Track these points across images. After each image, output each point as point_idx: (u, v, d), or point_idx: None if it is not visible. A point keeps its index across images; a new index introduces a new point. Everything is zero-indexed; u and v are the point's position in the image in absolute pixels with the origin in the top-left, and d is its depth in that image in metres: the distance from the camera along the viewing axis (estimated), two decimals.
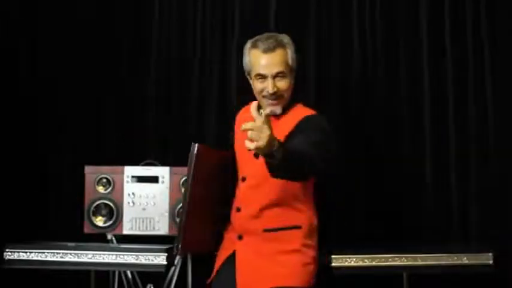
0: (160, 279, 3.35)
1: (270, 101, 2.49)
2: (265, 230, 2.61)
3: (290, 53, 2.51)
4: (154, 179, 3.35)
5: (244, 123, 2.12)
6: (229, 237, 2.75)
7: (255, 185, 2.60)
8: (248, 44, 2.55)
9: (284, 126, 2.54)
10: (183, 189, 3.29)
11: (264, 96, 2.49)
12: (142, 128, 3.78)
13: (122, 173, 3.35)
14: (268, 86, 2.45)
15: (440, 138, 3.65)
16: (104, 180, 3.35)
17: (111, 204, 3.33)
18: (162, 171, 3.36)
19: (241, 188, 2.67)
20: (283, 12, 3.74)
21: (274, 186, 2.50)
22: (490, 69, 3.64)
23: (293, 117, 2.57)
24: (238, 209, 2.68)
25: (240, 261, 2.61)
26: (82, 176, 3.34)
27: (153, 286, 3.35)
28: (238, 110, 2.92)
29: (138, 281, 3.44)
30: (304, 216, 2.65)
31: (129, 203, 3.34)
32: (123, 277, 3.41)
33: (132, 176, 3.35)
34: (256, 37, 2.54)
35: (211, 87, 3.77)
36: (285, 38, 2.52)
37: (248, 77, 2.58)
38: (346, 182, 3.59)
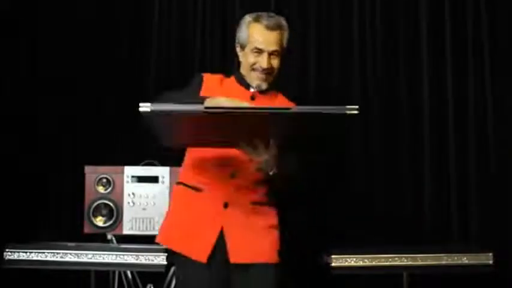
0: (160, 279, 3.35)
1: (260, 75, 2.53)
2: (253, 203, 2.56)
3: (286, 35, 2.58)
4: (154, 179, 3.35)
5: (215, 87, 2.43)
6: (209, 200, 2.55)
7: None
8: (249, 18, 2.58)
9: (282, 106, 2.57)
10: None
11: (253, 69, 2.54)
12: (142, 128, 3.77)
13: (122, 173, 3.35)
14: (264, 61, 2.50)
15: (440, 139, 3.66)
16: (104, 180, 3.35)
17: (111, 204, 3.33)
18: (162, 171, 3.36)
19: (238, 153, 2.47)
20: (283, 13, 3.74)
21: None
22: (490, 69, 3.65)
23: (289, 103, 2.61)
24: (233, 175, 2.54)
25: (231, 237, 2.50)
26: (82, 176, 3.34)
27: (153, 286, 3.35)
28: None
29: (138, 281, 3.44)
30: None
31: (129, 203, 3.34)
32: (123, 277, 3.41)
33: (132, 176, 3.35)
34: (257, 13, 2.58)
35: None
36: (284, 21, 2.59)
37: (239, 49, 2.60)
38: (346, 181, 3.59)
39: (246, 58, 2.56)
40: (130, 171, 3.36)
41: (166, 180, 3.34)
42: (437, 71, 3.69)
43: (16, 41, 3.72)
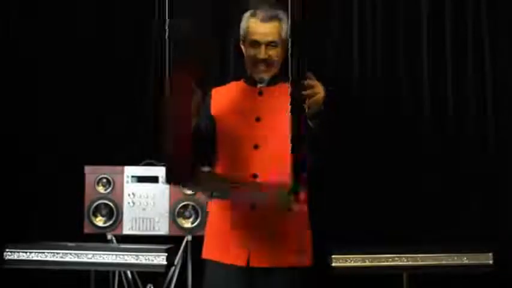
0: (160, 279, 3.35)
1: (261, 67, 2.59)
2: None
3: (284, 26, 2.60)
4: (154, 179, 3.35)
5: (223, 98, 2.51)
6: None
7: (275, 155, 2.55)
8: (247, 13, 2.66)
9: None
10: (187, 190, 3.31)
11: (254, 62, 2.59)
12: (142, 128, 3.78)
13: (122, 173, 3.35)
14: (261, 52, 2.57)
15: (440, 137, 3.66)
16: (104, 180, 3.35)
17: (111, 204, 3.33)
18: (162, 171, 3.36)
19: (256, 155, 2.57)
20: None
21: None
22: (490, 69, 3.65)
23: None
24: (255, 176, 2.55)
25: (255, 240, 2.55)
26: (82, 176, 3.34)
27: (153, 286, 3.35)
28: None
29: (138, 281, 3.44)
30: None
31: (129, 203, 3.34)
32: (123, 277, 3.41)
33: (132, 176, 3.36)
34: (255, 7, 2.66)
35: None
36: (281, 13, 2.63)
37: (242, 45, 2.67)
38: (345, 181, 3.59)
39: (246, 52, 2.63)
40: (130, 171, 3.36)
41: None
42: (438, 71, 3.69)
43: (16, 40, 3.72)
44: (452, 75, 3.68)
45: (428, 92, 3.68)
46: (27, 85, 3.72)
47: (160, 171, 3.36)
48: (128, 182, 3.35)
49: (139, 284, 3.43)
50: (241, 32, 2.64)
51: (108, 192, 3.34)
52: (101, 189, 3.34)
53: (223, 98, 2.63)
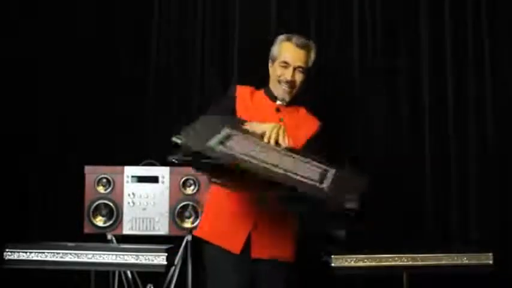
0: (160, 279, 3.35)
1: (284, 87, 2.82)
2: None
3: (312, 57, 2.88)
4: (154, 179, 3.36)
5: (246, 102, 2.75)
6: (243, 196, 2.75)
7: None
8: (282, 37, 2.89)
9: (304, 120, 2.88)
10: (187, 190, 3.31)
11: (279, 82, 2.83)
12: (142, 128, 3.78)
13: (122, 173, 3.35)
14: (289, 73, 2.80)
15: (440, 138, 3.66)
16: (104, 180, 3.35)
17: (111, 204, 3.33)
18: (162, 171, 3.36)
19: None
20: (284, 12, 3.75)
21: None
22: (490, 68, 3.65)
23: (311, 117, 2.91)
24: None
25: (258, 232, 2.72)
26: (82, 176, 3.34)
27: (153, 286, 3.35)
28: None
29: (138, 281, 3.44)
30: None
31: (129, 203, 3.35)
32: (123, 277, 3.41)
33: (132, 176, 3.36)
34: (290, 34, 2.89)
35: (211, 87, 3.77)
36: (313, 45, 2.90)
37: (270, 63, 2.89)
38: None
39: (274, 71, 2.86)
40: (130, 171, 3.36)
41: (166, 180, 3.35)
42: (438, 71, 3.69)
43: (16, 40, 3.72)
44: (452, 75, 3.68)
45: (428, 92, 3.68)
46: (27, 85, 3.72)
47: (160, 171, 3.36)
48: (128, 182, 3.35)
49: (139, 284, 3.43)
50: (274, 52, 2.87)
51: (108, 192, 3.34)
52: (101, 189, 3.35)
53: (247, 99, 2.82)
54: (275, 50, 2.87)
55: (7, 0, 3.71)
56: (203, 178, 3.34)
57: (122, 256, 3.02)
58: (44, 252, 3.04)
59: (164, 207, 3.34)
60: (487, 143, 3.63)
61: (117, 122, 3.76)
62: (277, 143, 2.47)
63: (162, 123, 3.77)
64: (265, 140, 2.47)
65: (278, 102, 2.84)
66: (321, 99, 3.50)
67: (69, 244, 3.10)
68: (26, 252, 3.04)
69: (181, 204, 3.34)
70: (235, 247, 2.68)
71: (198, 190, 3.35)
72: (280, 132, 2.50)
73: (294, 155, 2.44)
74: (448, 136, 3.66)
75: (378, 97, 3.72)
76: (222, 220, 2.73)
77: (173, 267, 3.31)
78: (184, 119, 3.76)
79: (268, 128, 2.51)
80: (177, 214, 3.33)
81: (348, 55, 3.74)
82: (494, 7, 3.70)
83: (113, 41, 3.81)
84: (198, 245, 2.83)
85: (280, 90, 2.83)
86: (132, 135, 3.76)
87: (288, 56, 2.82)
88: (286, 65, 2.81)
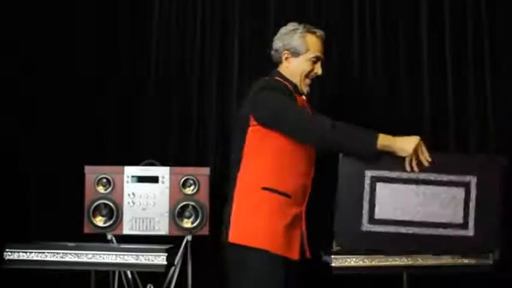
0: (160, 279, 3.35)
1: (307, 81, 2.79)
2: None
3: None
4: (154, 179, 3.35)
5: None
6: (295, 206, 2.73)
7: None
8: (300, 28, 2.78)
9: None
10: (187, 190, 3.31)
11: (306, 76, 2.77)
12: (142, 128, 3.78)
13: (122, 173, 3.35)
14: (320, 68, 2.78)
15: (440, 138, 3.66)
16: (104, 180, 3.35)
17: (111, 204, 3.33)
18: (162, 171, 3.36)
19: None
20: (282, 12, 3.75)
21: None
22: (490, 69, 3.66)
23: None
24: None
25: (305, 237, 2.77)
26: (82, 176, 3.34)
27: (153, 286, 3.35)
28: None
29: (138, 281, 3.44)
30: None
31: (129, 203, 3.35)
32: (123, 277, 3.41)
33: (132, 176, 3.36)
34: (303, 24, 2.80)
35: (211, 87, 3.77)
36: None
37: (289, 55, 2.77)
38: None
39: (300, 65, 2.77)
40: (130, 171, 3.36)
41: (166, 180, 3.35)
42: (438, 71, 3.69)
43: (16, 40, 3.72)
44: (452, 75, 3.68)
45: (428, 92, 3.68)
46: (27, 85, 3.71)
47: (160, 171, 3.36)
48: (128, 182, 3.35)
49: (139, 284, 3.43)
50: (297, 45, 2.75)
51: (108, 192, 3.34)
52: (101, 189, 3.34)
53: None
54: (298, 43, 2.76)
55: (7, 0, 3.72)
56: (203, 178, 3.34)
57: (122, 256, 3.02)
58: (44, 252, 3.03)
59: (164, 207, 3.34)
60: (488, 141, 3.63)
61: (118, 122, 3.76)
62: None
63: (162, 123, 3.77)
64: (407, 168, 2.55)
65: (303, 97, 2.80)
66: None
67: (69, 244, 3.09)
68: (26, 252, 3.03)
69: (181, 204, 3.34)
70: (295, 253, 2.68)
71: (198, 190, 3.34)
72: (423, 151, 2.57)
73: (432, 185, 2.56)
74: (448, 135, 3.66)
75: (378, 97, 3.72)
76: (279, 228, 2.64)
77: (173, 267, 3.31)
78: (184, 119, 3.78)
79: (409, 150, 2.56)
80: (177, 214, 3.33)
81: (347, 55, 3.74)
82: (494, 7, 3.70)
83: (113, 41, 3.81)
84: (233, 251, 2.67)
85: (305, 85, 2.79)
86: (132, 135, 3.76)
87: (318, 50, 2.77)
88: (317, 60, 2.77)
